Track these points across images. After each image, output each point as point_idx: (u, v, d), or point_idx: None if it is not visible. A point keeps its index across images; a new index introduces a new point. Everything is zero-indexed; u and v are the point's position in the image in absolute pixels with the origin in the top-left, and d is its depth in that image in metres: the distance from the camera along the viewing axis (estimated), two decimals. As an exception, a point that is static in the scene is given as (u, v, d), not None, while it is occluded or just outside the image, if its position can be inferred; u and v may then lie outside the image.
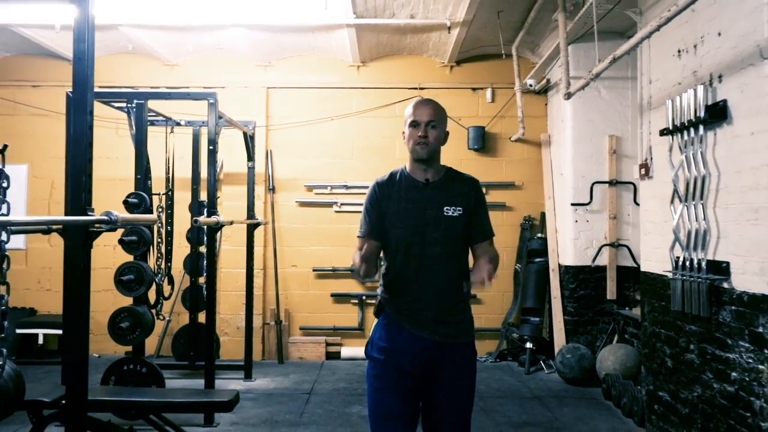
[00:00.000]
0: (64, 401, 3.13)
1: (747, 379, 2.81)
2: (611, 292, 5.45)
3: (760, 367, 2.71)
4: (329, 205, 6.29)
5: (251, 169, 5.42)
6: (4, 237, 2.33)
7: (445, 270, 2.19)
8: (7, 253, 2.33)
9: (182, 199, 5.44)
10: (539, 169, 6.26)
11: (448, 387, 2.19)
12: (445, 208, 2.19)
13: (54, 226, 2.45)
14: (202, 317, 5.46)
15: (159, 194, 4.72)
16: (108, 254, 5.71)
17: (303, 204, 6.32)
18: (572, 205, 5.55)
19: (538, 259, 5.98)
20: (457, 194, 2.22)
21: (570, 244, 5.60)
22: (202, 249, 5.31)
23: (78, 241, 2.25)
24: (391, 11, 5.05)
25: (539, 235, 6.09)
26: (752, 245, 2.77)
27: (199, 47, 6.00)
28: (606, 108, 5.52)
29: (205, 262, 5.25)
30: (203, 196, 5.25)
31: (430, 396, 2.20)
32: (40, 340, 5.86)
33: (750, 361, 2.78)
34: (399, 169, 2.31)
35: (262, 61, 6.30)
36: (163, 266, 4.69)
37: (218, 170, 6.01)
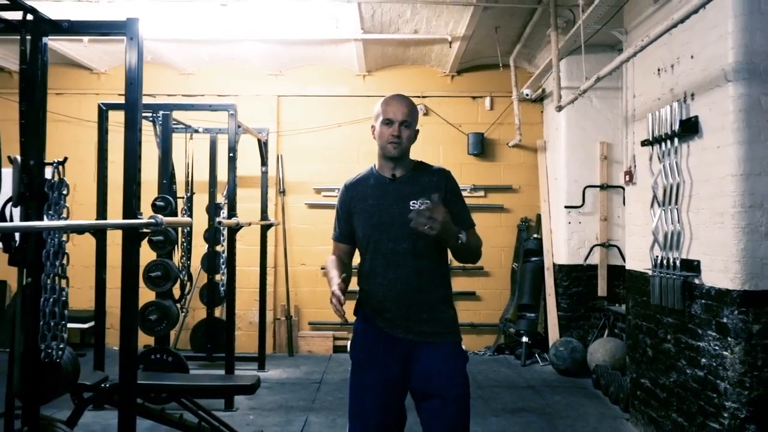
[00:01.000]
0: (103, 385, 3.51)
1: (714, 364, 3.16)
2: (602, 290, 5.81)
3: (724, 353, 3.06)
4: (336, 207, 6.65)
5: (264, 174, 5.78)
6: (64, 237, 2.70)
7: (415, 266, 2.15)
8: (67, 251, 2.71)
9: (197, 200, 5.79)
10: (535, 174, 6.62)
11: (432, 389, 2.09)
12: (411, 202, 2.14)
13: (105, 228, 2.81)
14: (218, 312, 5.84)
15: (182, 197, 5.08)
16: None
17: (312, 206, 6.68)
18: (566, 207, 5.91)
19: (534, 259, 6.34)
20: (425, 187, 2.17)
21: (564, 245, 5.96)
22: (219, 248, 5.68)
23: (131, 240, 2.60)
24: (396, 26, 5.41)
25: (535, 235, 6.44)
26: (718, 246, 3.12)
27: (213, 57, 6.36)
28: (597, 116, 5.87)
29: (221, 260, 5.63)
30: (218, 198, 5.64)
31: (419, 400, 2.14)
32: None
33: (716, 348, 3.14)
34: (369, 167, 2.33)
35: (273, 70, 6.66)
36: (185, 264, 5.04)
37: (232, 174, 6.40)
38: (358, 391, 2.18)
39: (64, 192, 2.69)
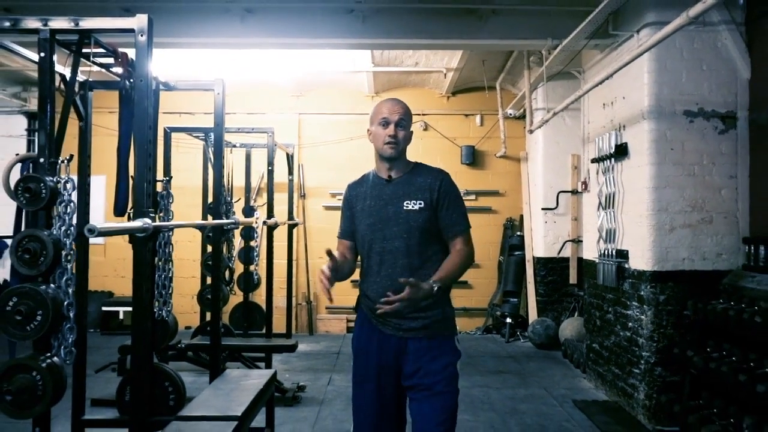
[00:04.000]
0: (180, 345, 4.65)
1: (636, 326, 4.29)
2: (573, 278, 6.93)
3: (642, 317, 4.20)
4: (349, 208, 7.79)
5: (291, 181, 6.91)
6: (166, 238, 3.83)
7: (407, 264, 2.17)
8: (172, 242, 3.84)
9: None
10: (518, 180, 7.76)
11: (423, 385, 2.15)
12: (405, 203, 2.19)
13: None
14: (252, 297, 6.97)
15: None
16: (190, 248, 7.13)
17: (328, 208, 7.82)
18: (543, 209, 7.04)
19: (517, 252, 7.47)
20: (420, 188, 2.22)
21: (541, 240, 7.09)
22: (252, 243, 6.81)
23: (217, 236, 3.74)
24: (400, 60, 6.56)
25: (518, 233, 7.57)
26: (639, 239, 4.25)
27: (246, 81, 7.49)
28: (569, 132, 6.99)
29: (255, 253, 6.76)
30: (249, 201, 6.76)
31: (410, 394, 2.21)
32: (121, 316, 7.38)
33: (637, 314, 4.27)
34: (371, 170, 2.37)
35: (295, 92, 7.81)
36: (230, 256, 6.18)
37: (259, 180, 7.55)
38: (356, 386, 2.28)
39: (170, 201, 3.83)
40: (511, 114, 7.42)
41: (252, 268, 6.79)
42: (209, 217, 5.66)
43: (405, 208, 2.19)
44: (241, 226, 5.82)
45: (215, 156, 3.78)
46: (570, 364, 5.97)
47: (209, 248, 5.70)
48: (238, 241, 6.63)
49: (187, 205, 5.89)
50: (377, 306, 2.11)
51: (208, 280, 5.60)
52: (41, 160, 2.58)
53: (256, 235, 6.78)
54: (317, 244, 7.80)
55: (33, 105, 7.84)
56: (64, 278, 2.56)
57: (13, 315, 2.43)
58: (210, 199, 5.83)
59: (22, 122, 7.80)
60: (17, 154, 3.11)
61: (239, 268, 7.10)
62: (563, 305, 7.02)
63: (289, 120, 7.78)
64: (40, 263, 2.47)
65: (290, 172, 6.88)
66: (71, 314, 2.57)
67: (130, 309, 7.41)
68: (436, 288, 2.10)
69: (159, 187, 3.75)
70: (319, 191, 7.85)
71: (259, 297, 7.15)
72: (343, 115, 7.88)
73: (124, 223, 2.58)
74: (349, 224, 2.37)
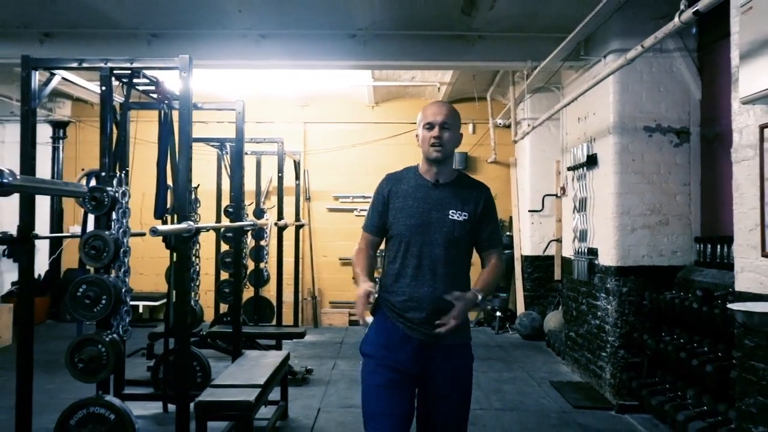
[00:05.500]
0: (201, 332, 5.25)
1: (603, 315, 4.89)
2: (557, 275, 7.51)
3: (608, 307, 4.79)
4: (350, 210, 8.41)
5: (298, 186, 7.51)
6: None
7: (444, 273, 2.17)
8: (198, 239, 4.44)
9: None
10: (508, 184, 8.36)
11: (441, 392, 2.17)
12: (450, 211, 2.18)
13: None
14: (261, 292, 7.57)
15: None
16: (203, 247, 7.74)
17: (331, 210, 8.43)
18: (529, 211, 7.63)
19: (506, 251, 8.07)
20: (465, 199, 2.22)
21: (528, 240, 7.69)
22: (262, 243, 7.40)
23: (239, 236, 4.34)
24: (398, 75, 7.16)
25: (508, 233, 8.17)
26: (606, 238, 4.85)
27: (255, 92, 8.10)
28: (553, 140, 7.58)
29: (265, 251, 7.36)
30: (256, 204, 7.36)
31: (424, 400, 2.21)
32: (140, 310, 8.00)
33: (605, 304, 4.87)
34: (412, 166, 2.33)
35: (300, 102, 8.42)
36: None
37: (268, 184, 8.15)
38: (371, 387, 2.21)
39: (197, 206, 4.44)
40: (500, 123, 8.02)
41: (262, 265, 7.39)
42: (224, 219, 6.27)
43: (450, 217, 2.18)
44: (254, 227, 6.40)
45: (235, 165, 4.39)
46: (552, 352, 6.57)
47: (223, 247, 6.31)
48: (248, 240, 7.23)
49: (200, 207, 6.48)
50: (437, 329, 2.07)
51: (222, 276, 6.22)
52: (103, 173, 3.20)
53: (265, 235, 7.37)
54: (321, 244, 8.41)
55: (57, 115, 8.45)
56: (122, 270, 3.16)
57: (83, 299, 3.04)
58: (223, 203, 6.46)
59: (48, 131, 8.39)
60: (83, 169, 3.72)
61: (250, 265, 7.70)
62: (548, 299, 7.62)
63: (295, 129, 8.39)
64: (103, 257, 3.08)
65: (297, 177, 7.48)
66: (128, 299, 3.17)
67: (149, 303, 8.06)
68: (480, 297, 2.16)
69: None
70: (323, 195, 8.46)
71: (268, 292, 7.75)
72: (345, 124, 8.49)
73: (174, 225, 3.17)
74: (379, 219, 2.30)
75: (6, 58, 5.42)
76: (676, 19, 3.11)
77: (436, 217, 2.19)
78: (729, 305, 2.47)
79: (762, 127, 2.82)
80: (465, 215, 2.20)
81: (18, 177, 1.67)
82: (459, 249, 2.22)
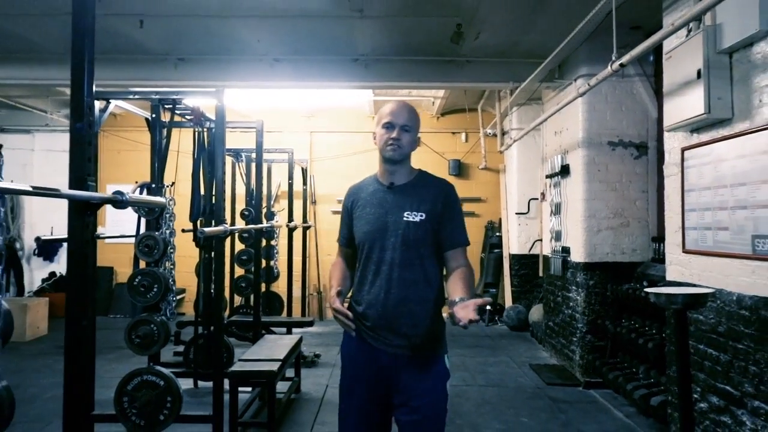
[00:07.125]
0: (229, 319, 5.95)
1: (574, 305, 5.61)
2: (541, 271, 8.20)
3: (578, 298, 5.52)
4: (353, 213, 9.12)
5: (305, 190, 8.24)
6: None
7: (403, 277, 2.08)
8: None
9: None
10: (497, 189, 9.08)
11: (411, 417, 2.06)
12: (405, 213, 2.10)
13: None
14: (271, 288, 8.30)
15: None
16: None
17: (335, 212, 9.14)
18: (516, 213, 8.35)
19: (496, 250, 8.79)
20: (422, 199, 2.13)
21: (515, 240, 8.41)
22: (273, 242, 8.12)
23: (259, 236, 5.06)
24: (397, 91, 7.89)
25: (497, 234, 8.89)
26: (576, 238, 5.57)
27: (265, 105, 8.83)
28: (538, 149, 8.27)
29: (275, 250, 8.09)
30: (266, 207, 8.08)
31: (395, 419, 2.12)
32: (160, 304, 8.71)
33: (575, 296, 5.59)
34: (373, 174, 2.28)
35: (307, 113, 9.14)
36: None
37: (277, 189, 8.87)
38: (343, 397, 2.21)
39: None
40: (490, 133, 8.74)
41: (272, 263, 8.11)
42: (238, 221, 6.99)
43: (405, 219, 2.10)
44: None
45: (255, 175, 5.11)
46: (534, 341, 7.29)
47: (237, 246, 7.04)
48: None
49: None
50: (399, 338, 2.06)
51: (237, 272, 6.94)
52: (153, 185, 3.93)
53: (276, 235, 8.10)
54: (326, 243, 9.14)
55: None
56: (169, 264, 3.88)
57: (139, 287, 3.76)
58: (237, 206, 7.18)
59: (74, 139, 9.10)
60: (137, 182, 4.45)
61: (261, 263, 8.41)
62: (533, 294, 8.34)
63: (302, 138, 9.12)
64: (154, 254, 3.80)
65: (304, 183, 8.22)
66: (174, 287, 3.89)
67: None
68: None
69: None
70: (327, 198, 9.19)
71: (277, 287, 8.48)
72: (348, 134, 9.21)
73: (214, 227, 3.89)
74: (348, 231, 2.28)
75: (48, 80, 6.13)
76: (609, 68, 3.82)
77: (392, 221, 2.12)
78: (645, 289, 3.12)
79: (683, 150, 3.54)
80: (422, 215, 2.10)
81: (127, 195, 2.38)
82: (418, 251, 2.10)
